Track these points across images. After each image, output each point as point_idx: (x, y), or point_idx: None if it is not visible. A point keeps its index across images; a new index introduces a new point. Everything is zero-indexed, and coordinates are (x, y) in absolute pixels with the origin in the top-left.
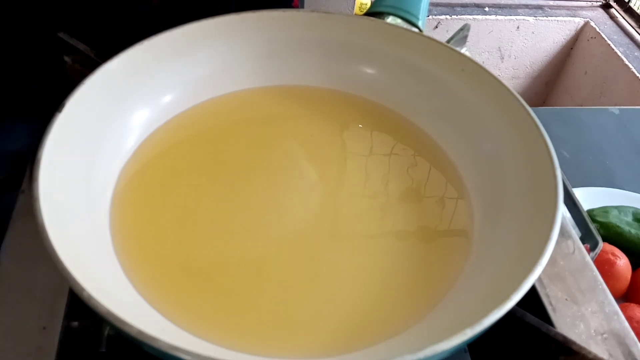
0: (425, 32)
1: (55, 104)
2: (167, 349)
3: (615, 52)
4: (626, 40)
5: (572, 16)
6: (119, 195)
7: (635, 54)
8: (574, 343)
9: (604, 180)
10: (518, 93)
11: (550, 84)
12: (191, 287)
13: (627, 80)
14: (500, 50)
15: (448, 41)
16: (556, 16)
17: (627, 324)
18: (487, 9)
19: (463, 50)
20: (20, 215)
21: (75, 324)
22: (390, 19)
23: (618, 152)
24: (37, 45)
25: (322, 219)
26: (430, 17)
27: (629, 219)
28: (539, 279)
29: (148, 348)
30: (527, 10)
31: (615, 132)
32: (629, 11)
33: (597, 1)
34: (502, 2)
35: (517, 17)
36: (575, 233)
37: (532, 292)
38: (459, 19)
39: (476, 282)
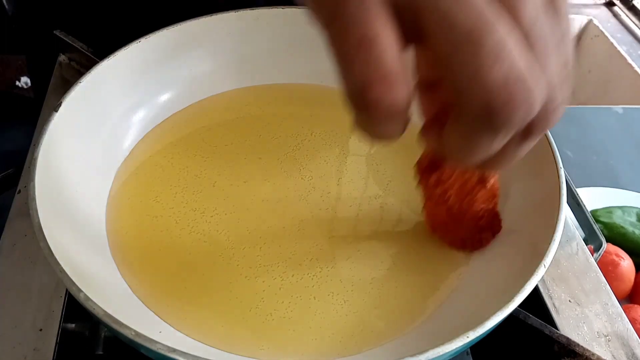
0: None
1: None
2: (165, 352)
3: (619, 51)
4: (629, 38)
5: (575, 14)
6: (115, 195)
7: (639, 52)
8: (577, 345)
9: (608, 180)
10: None
11: None
12: (189, 289)
13: (631, 79)
14: None
15: None
16: None
17: (630, 325)
18: None
19: None
20: (16, 215)
21: (72, 326)
22: None
23: (622, 152)
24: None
25: (321, 219)
26: None
27: (633, 219)
28: (542, 280)
29: (145, 351)
30: None
31: (619, 131)
32: (633, 9)
33: None
34: None
35: None
36: (578, 234)
37: (535, 293)
38: None
39: (478, 284)
